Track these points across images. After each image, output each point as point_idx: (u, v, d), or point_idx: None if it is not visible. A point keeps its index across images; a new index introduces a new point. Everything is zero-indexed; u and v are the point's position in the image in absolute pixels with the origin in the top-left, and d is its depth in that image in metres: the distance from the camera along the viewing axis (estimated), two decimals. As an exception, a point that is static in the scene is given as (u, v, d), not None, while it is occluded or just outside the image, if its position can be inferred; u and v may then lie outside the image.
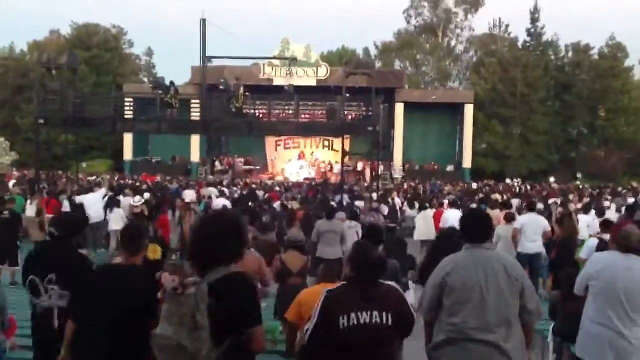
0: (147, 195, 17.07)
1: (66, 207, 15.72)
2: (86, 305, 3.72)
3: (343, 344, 3.42)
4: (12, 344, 5.36)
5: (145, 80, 49.44)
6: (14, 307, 5.15)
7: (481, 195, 20.07)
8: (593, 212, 13.28)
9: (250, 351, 3.16)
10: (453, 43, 58.69)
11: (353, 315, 3.41)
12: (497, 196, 17.71)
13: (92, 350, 3.66)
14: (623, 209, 13.53)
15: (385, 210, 17.18)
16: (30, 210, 16.48)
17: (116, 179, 30.87)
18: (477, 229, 4.12)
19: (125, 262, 3.91)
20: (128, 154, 40.22)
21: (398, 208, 16.46)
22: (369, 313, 3.44)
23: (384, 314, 3.47)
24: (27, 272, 4.52)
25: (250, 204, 15.59)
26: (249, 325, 3.10)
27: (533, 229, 10.57)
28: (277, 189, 23.93)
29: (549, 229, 10.70)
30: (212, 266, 3.13)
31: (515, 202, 16.80)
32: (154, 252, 4.25)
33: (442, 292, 3.94)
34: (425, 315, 4.10)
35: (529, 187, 30.92)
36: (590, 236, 10.09)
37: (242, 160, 38.35)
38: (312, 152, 38.86)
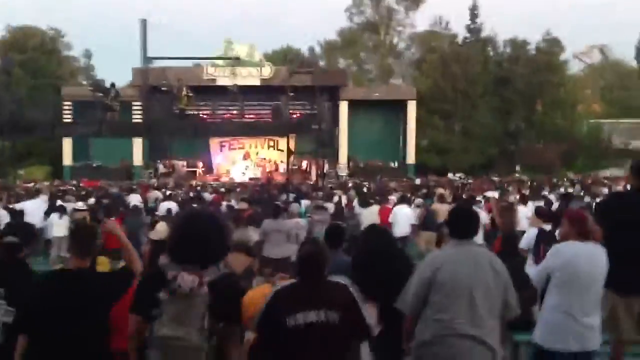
0: (90, 201, 16.74)
1: (3, 215, 15.25)
2: (39, 316, 3.60)
3: (290, 344, 3.40)
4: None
5: (84, 82, 48.27)
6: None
7: (424, 191, 20.34)
8: (530, 203, 13.65)
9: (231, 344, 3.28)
10: (395, 40, 59.36)
11: (299, 315, 3.37)
12: (441, 190, 17.96)
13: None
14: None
15: (331, 208, 17.25)
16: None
17: (55, 184, 30.06)
18: (465, 224, 4.16)
19: (74, 266, 3.75)
20: (67, 159, 39.18)
21: (344, 205, 16.49)
22: (315, 312, 3.39)
23: (330, 312, 3.41)
24: None
25: (195, 206, 15.43)
26: (232, 322, 3.27)
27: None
28: (222, 190, 23.74)
29: (488, 221, 10.91)
30: (205, 266, 3.20)
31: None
32: (101, 263, 4.14)
33: (429, 288, 3.96)
34: (409, 310, 4.10)
35: (469, 181, 31.53)
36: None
37: (185, 162, 37.91)
38: (257, 152, 38.71)
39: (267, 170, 36.66)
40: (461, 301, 3.90)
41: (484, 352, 3.91)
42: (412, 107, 40.31)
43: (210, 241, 3.25)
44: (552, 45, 48.25)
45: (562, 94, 47.61)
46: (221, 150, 38.87)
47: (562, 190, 19.38)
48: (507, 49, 49.53)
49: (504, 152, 45.89)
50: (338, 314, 3.42)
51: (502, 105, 46.58)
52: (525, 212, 12.69)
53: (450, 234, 4.22)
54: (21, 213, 14.44)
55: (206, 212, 3.81)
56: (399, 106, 40.79)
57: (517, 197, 15.06)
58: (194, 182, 30.70)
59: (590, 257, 4.56)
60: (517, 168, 41.93)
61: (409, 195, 17.37)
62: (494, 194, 16.53)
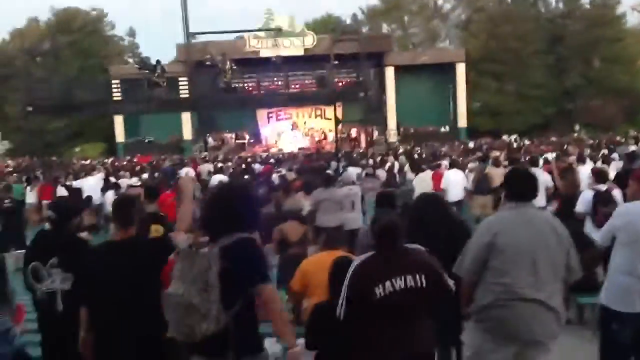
0: (144, 176, 16.97)
1: (61, 192, 15.62)
2: (94, 286, 3.72)
3: (381, 313, 3.41)
4: (21, 328, 5.32)
5: (130, 60, 48.90)
6: (21, 292, 5.10)
7: (479, 154, 19.90)
8: (590, 162, 13.17)
9: (268, 311, 3.21)
10: (440, 2, 58.04)
11: (388, 283, 3.40)
12: (496, 153, 17.51)
13: (111, 329, 3.67)
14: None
15: (382, 175, 17.07)
16: (30, 198, 16.48)
17: (110, 161, 30.69)
18: (523, 187, 4.04)
19: (120, 237, 3.83)
20: (120, 136, 39.98)
21: (397, 171, 16.29)
22: (402, 278, 3.43)
23: (417, 276, 3.46)
24: (29, 259, 4.54)
25: (246, 177, 15.47)
26: (255, 282, 3.17)
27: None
28: (272, 161, 23.79)
29: (552, 184, 10.55)
30: (225, 234, 3.20)
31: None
32: (156, 230, 4.16)
33: (489, 253, 3.89)
34: (467, 275, 4.03)
35: (527, 142, 30.79)
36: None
37: (234, 135, 38.13)
38: (305, 122, 38.63)
39: (316, 139, 36.55)
40: (523, 265, 3.84)
41: (547, 315, 3.87)
42: (461, 70, 39.54)
43: (229, 212, 3.27)
44: (607, -2, 46.45)
45: (620, 48, 45.88)
46: (269, 122, 38.95)
47: (627, 148, 18.64)
48: (560, 5, 47.91)
49: (561, 111, 44.73)
50: (424, 276, 3.49)
51: (556, 64, 45.26)
52: (586, 173, 12.26)
53: (506, 197, 4.12)
54: (79, 190, 14.82)
55: (231, 185, 3.82)
56: (448, 69, 40.04)
57: (576, 157, 14.58)
58: (243, 154, 30.87)
59: None
60: (577, 127, 40.82)
61: (461, 159, 17.05)
62: (552, 155, 16.04)
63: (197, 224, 3.51)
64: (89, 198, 14.36)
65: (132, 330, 3.61)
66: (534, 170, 10.78)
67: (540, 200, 10.37)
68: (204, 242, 3.17)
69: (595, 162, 12.94)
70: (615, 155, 15.58)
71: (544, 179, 10.60)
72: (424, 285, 3.48)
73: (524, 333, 3.88)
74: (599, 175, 8.40)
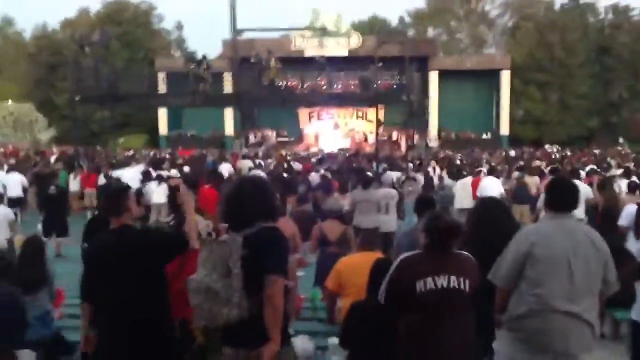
0: (185, 169, 17.25)
1: (102, 182, 15.98)
2: (96, 281, 3.75)
3: (419, 307, 3.43)
4: (60, 313, 5.51)
5: (176, 54, 49.58)
6: (60, 278, 5.29)
7: (521, 163, 19.71)
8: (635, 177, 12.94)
9: (268, 303, 3.14)
10: (487, 7, 57.40)
11: (429, 279, 3.42)
12: (537, 162, 17.36)
13: (114, 322, 3.69)
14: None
15: (421, 179, 17.05)
16: (74, 185, 16.88)
17: (152, 153, 31.20)
18: (564, 197, 4.01)
19: (116, 226, 3.81)
20: (163, 128, 40.56)
21: (437, 176, 16.29)
22: (446, 277, 3.44)
23: (462, 279, 3.48)
24: (88, 236, 4.66)
25: (285, 175, 15.61)
26: (267, 269, 3.13)
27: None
28: (313, 160, 23.89)
29: (592, 195, 10.44)
30: (248, 225, 3.23)
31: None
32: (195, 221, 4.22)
33: (525, 262, 3.87)
34: (502, 283, 4.02)
35: (568, 153, 30.31)
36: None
37: (275, 132, 38.34)
38: (346, 123, 38.65)
39: (356, 140, 36.54)
40: (559, 277, 3.81)
41: (582, 328, 3.83)
42: (505, 77, 39.10)
43: (245, 204, 3.30)
44: (658, 10, 45.46)
45: (669, 61, 44.77)
46: (310, 121, 39.08)
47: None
48: (609, 15, 46.98)
49: (605, 123, 43.85)
50: (468, 281, 3.50)
51: (602, 75, 44.39)
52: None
53: (547, 206, 4.09)
54: (118, 181, 15.11)
55: (249, 178, 3.83)
56: (492, 76, 39.64)
57: (619, 171, 14.36)
58: (283, 152, 31.05)
59: None
60: (620, 140, 40.00)
61: (499, 167, 16.94)
62: (593, 167, 15.83)
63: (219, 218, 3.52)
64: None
65: (131, 314, 3.63)
66: (575, 181, 10.72)
67: (580, 212, 10.28)
68: (223, 229, 3.21)
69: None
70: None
71: (584, 190, 10.50)
72: (467, 289, 3.50)
73: (558, 345, 3.86)
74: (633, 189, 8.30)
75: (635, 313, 4.62)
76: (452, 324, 3.49)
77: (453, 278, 3.48)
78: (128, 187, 4.09)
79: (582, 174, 14.25)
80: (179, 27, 59.47)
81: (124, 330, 3.64)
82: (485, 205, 5.20)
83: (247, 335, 3.12)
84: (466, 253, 3.67)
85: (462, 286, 3.49)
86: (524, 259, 3.88)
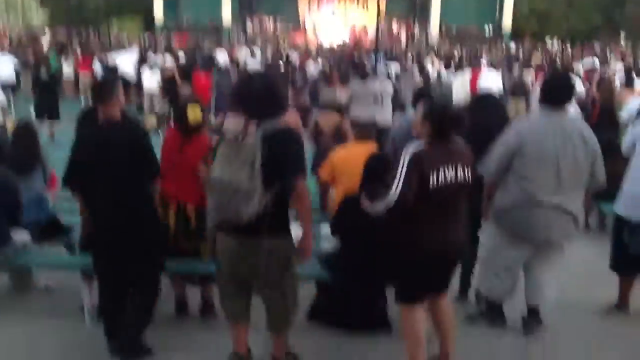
0: (180, 55, 16.96)
1: (97, 66, 15.78)
2: (85, 171, 3.83)
3: (429, 200, 3.41)
4: (53, 195, 5.58)
5: None
6: (54, 163, 5.30)
7: (519, 57, 19.47)
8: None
9: (298, 203, 3.36)
10: None
11: (441, 171, 3.38)
12: (537, 57, 17.15)
13: (99, 214, 3.87)
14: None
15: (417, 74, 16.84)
16: (67, 69, 16.68)
17: (146, 37, 30.56)
18: (559, 92, 4.02)
19: (104, 116, 3.88)
20: (159, 13, 39.51)
21: (435, 71, 16.06)
22: (453, 167, 3.42)
23: (466, 168, 3.48)
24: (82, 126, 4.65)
25: (282, 65, 15.43)
26: (292, 172, 3.28)
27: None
28: (311, 50, 23.49)
29: (582, 89, 10.39)
30: (261, 119, 3.25)
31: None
32: (194, 112, 4.20)
33: (513, 156, 3.94)
34: (492, 174, 4.10)
35: (569, 48, 29.84)
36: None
37: (273, 20, 37.41)
38: (346, 12, 37.61)
39: (356, 32, 35.74)
40: (547, 171, 3.90)
41: (564, 217, 3.98)
42: (511, -32, 37.70)
43: (259, 99, 3.31)
44: None
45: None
46: (309, 10, 38.03)
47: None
48: None
49: (608, 20, 42.73)
50: (469, 169, 3.51)
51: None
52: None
53: (541, 101, 4.09)
54: (114, 68, 14.95)
55: (259, 73, 3.84)
56: (497, -33, 38.20)
57: (619, 65, 14.22)
58: (281, 41, 30.46)
59: None
60: (622, 35, 39.20)
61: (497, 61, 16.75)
62: (594, 61, 15.59)
63: (229, 103, 3.59)
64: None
65: (117, 205, 3.81)
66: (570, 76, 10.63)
67: (572, 106, 10.28)
68: (252, 130, 3.20)
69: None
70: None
71: (578, 86, 10.45)
72: (469, 176, 3.50)
73: (540, 234, 4.01)
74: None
75: (617, 207, 4.73)
76: (455, 214, 3.53)
77: (459, 168, 3.44)
78: (116, 77, 4.10)
79: (580, 69, 14.13)
80: None
81: (113, 216, 3.81)
82: (480, 103, 5.17)
83: (257, 228, 3.25)
84: (463, 143, 3.62)
85: (466, 176, 3.48)
86: (513, 153, 3.94)
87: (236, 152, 3.21)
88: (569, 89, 4.11)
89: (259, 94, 3.31)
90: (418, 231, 3.45)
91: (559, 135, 3.89)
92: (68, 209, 5.28)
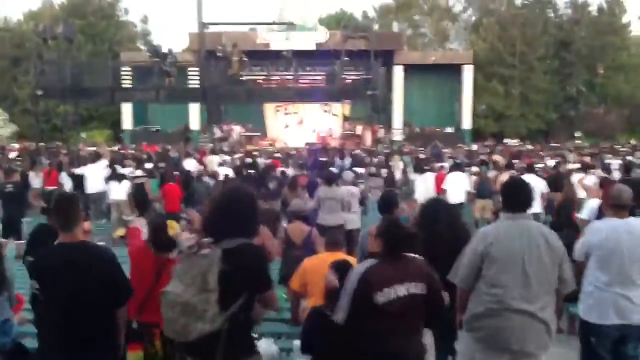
0: (147, 166, 17.12)
1: (65, 179, 15.78)
2: (44, 293, 3.65)
3: (380, 317, 3.48)
4: (20, 318, 5.43)
5: (142, 47, 48.92)
6: (20, 280, 5.20)
7: (481, 157, 20.05)
8: (591, 172, 13.30)
9: (267, 309, 3.41)
10: (451, 2, 57.95)
11: (391, 290, 3.47)
12: (497, 158, 17.68)
13: (54, 342, 3.67)
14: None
15: (384, 175, 17.20)
16: (36, 183, 16.59)
17: (117, 148, 30.81)
18: (518, 197, 4.12)
19: (65, 240, 3.68)
20: (127, 123, 40.02)
21: (400, 171, 16.46)
22: (404, 285, 3.50)
23: (419, 285, 3.55)
24: (29, 252, 4.60)
25: (252, 171, 15.62)
26: (263, 290, 3.27)
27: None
28: (279, 155, 23.91)
29: (547, 190, 10.71)
30: (228, 237, 3.21)
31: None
32: (172, 228, 4.21)
33: (482, 262, 3.98)
34: (461, 283, 4.12)
35: (528, 147, 30.86)
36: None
37: (240, 127, 38.17)
38: (312, 118, 38.63)
39: (322, 135, 36.58)
40: (514, 276, 3.91)
41: (538, 326, 3.93)
42: (468, 72, 39.53)
43: (234, 217, 3.26)
44: (614, 6, 46.30)
45: (625, 56, 45.74)
46: (276, 114, 38.96)
47: (626, 159, 18.77)
48: (568, 11, 47.77)
49: (563, 117, 44.60)
50: (426, 286, 3.55)
51: (562, 69, 45.13)
52: (589, 180, 12.40)
53: (503, 206, 4.18)
54: (81, 178, 14.95)
55: (236, 189, 3.77)
56: (455, 70, 40.04)
57: (577, 165, 14.73)
58: (249, 147, 30.95)
59: (629, 232, 4.53)
60: (577, 134, 40.76)
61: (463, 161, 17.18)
62: (552, 162, 16.21)
63: (200, 224, 3.46)
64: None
65: (79, 331, 3.59)
66: (531, 176, 11.01)
67: (536, 206, 10.54)
68: (205, 243, 3.14)
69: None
70: (615, 163, 15.75)
71: (540, 185, 10.77)
72: (423, 293, 3.57)
73: (514, 344, 3.95)
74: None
75: (581, 310, 4.77)
76: (409, 330, 3.57)
77: (413, 285, 3.53)
78: (75, 196, 3.94)
79: (542, 167, 14.58)
80: (145, 20, 58.69)
81: (66, 348, 3.61)
82: (430, 207, 5.28)
83: (211, 346, 3.12)
84: (420, 257, 3.72)
85: (419, 290, 3.55)
86: (481, 258, 3.98)
87: (190, 265, 3.12)
88: (528, 193, 4.20)
89: (232, 212, 3.27)
90: (370, 347, 3.49)
91: (523, 239, 3.95)
92: (34, 332, 5.11)
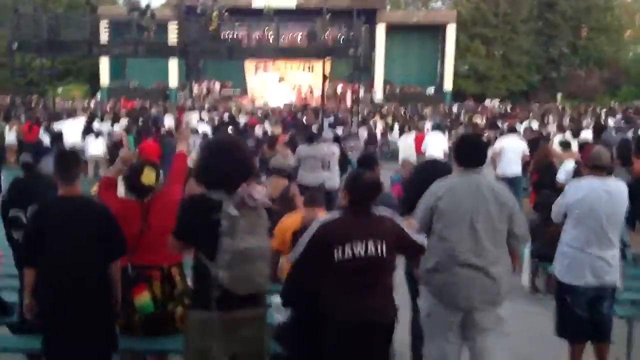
0: (123, 122, 16.92)
1: (42, 135, 15.58)
2: (43, 246, 3.69)
3: (336, 274, 3.45)
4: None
5: (120, 1, 47.83)
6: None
7: (461, 119, 20.08)
8: (568, 132, 13.36)
9: None
10: (436, -39, 57.23)
11: (347, 246, 3.42)
12: (477, 119, 17.73)
13: (56, 293, 3.68)
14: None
15: (364, 134, 17.20)
16: (10, 137, 16.36)
17: (93, 104, 30.41)
18: (472, 153, 4.09)
19: (67, 193, 3.79)
20: (105, 78, 39.44)
21: (379, 132, 16.45)
22: (363, 243, 3.44)
23: (378, 243, 3.47)
24: (7, 206, 4.50)
25: (230, 129, 15.51)
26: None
27: (514, 152, 10.57)
28: (259, 114, 23.74)
29: (528, 152, 10.73)
30: (234, 187, 3.24)
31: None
32: (148, 177, 4.09)
33: (432, 216, 3.97)
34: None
35: (509, 109, 30.94)
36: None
37: (220, 84, 37.78)
38: (292, 76, 38.31)
39: (302, 94, 36.37)
40: (462, 230, 3.89)
41: (485, 281, 3.89)
42: (451, 32, 39.20)
43: (234, 168, 3.28)
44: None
45: (609, 18, 45.67)
46: (256, 73, 38.58)
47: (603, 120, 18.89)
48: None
49: (545, 79, 44.64)
50: (384, 243, 3.49)
51: (545, 30, 44.98)
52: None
53: (455, 161, 4.14)
54: (60, 135, 14.76)
55: (231, 139, 3.84)
56: (438, 30, 39.78)
57: (556, 126, 14.81)
58: (229, 105, 30.70)
59: (608, 192, 4.57)
60: (559, 96, 40.88)
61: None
62: (533, 123, 16.27)
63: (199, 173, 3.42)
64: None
65: (79, 295, 3.67)
66: (512, 137, 11.02)
67: (517, 168, 10.59)
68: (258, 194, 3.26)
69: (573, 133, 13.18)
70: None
71: (521, 147, 10.80)
72: (383, 254, 3.50)
73: (461, 300, 3.92)
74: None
75: (557, 271, 4.83)
76: (373, 287, 3.52)
77: (370, 243, 3.46)
78: (77, 152, 4.04)
79: (521, 129, 14.63)
80: (122, -28, 57.24)
81: (67, 295, 3.66)
82: (422, 168, 5.25)
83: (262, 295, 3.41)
84: (388, 215, 3.63)
85: (378, 251, 3.48)
86: (431, 213, 3.97)
87: (257, 219, 3.28)
88: (481, 150, 4.21)
89: (237, 163, 3.30)
90: (335, 302, 3.49)
91: (472, 195, 3.92)
92: (11, 286, 5.05)
